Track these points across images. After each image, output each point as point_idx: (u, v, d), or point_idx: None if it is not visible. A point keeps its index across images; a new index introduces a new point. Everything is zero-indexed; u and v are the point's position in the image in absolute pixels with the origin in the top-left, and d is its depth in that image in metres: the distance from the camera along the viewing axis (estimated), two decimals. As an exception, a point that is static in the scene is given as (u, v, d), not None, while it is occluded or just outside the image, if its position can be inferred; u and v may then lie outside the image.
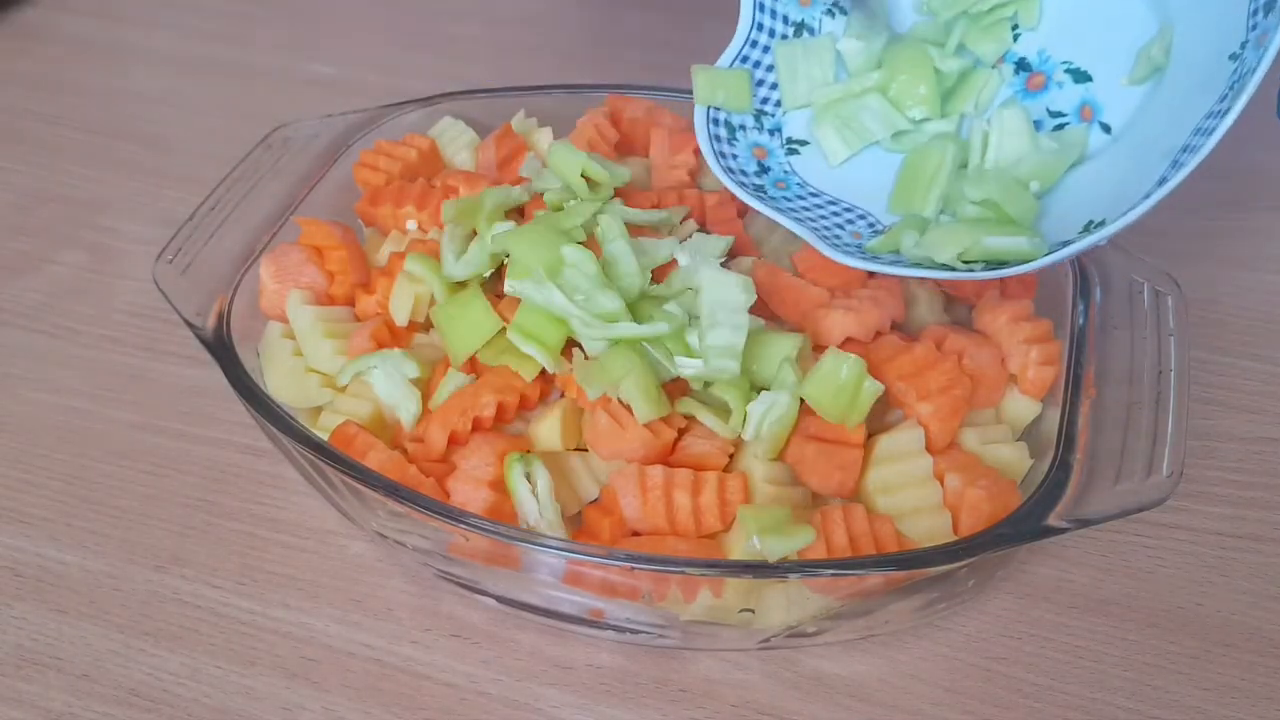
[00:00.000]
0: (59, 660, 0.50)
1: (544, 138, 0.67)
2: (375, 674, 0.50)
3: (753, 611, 0.46)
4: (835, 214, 0.55)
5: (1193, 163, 0.44)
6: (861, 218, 0.55)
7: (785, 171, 0.57)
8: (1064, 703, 0.49)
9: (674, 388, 0.50)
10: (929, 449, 0.49)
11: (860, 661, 0.50)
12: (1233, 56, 0.46)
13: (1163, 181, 0.45)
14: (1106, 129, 0.53)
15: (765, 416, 0.48)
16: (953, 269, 0.49)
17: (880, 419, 0.50)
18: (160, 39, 0.98)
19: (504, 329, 0.52)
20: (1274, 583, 0.53)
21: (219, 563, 0.55)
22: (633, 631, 0.49)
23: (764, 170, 0.56)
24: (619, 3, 1.01)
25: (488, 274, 0.55)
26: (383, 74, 0.92)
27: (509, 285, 0.51)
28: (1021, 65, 0.56)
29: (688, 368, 0.49)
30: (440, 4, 1.02)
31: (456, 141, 0.67)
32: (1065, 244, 0.47)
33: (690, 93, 0.58)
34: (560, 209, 0.56)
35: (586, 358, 0.50)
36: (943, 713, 0.49)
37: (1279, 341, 0.66)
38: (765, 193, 0.55)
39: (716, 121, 0.57)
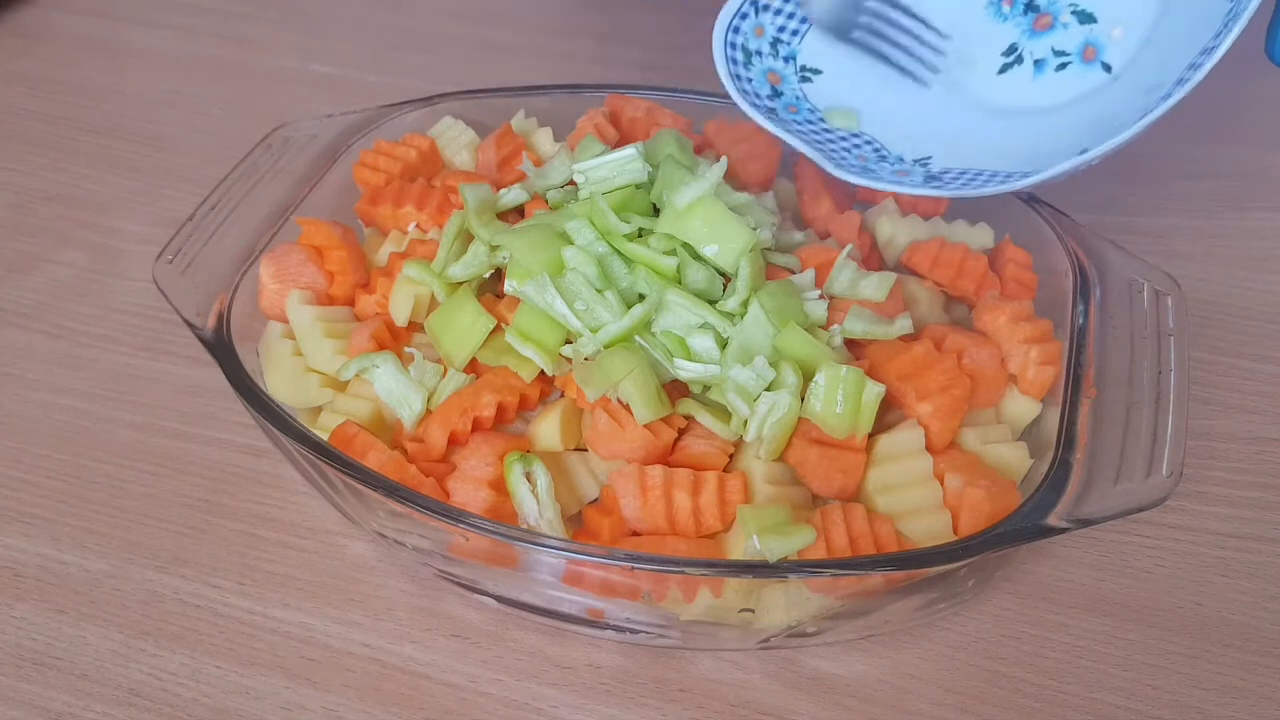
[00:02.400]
0: (59, 660, 0.50)
1: (544, 138, 0.67)
2: (375, 674, 0.50)
3: (753, 611, 0.46)
4: (843, 139, 0.58)
5: (1179, 94, 0.47)
6: (869, 143, 0.59)
7: (797, 97, 0.60)
8: (1064, 703, 0.49)
9: (674, 388, 0.50)
10: (929, 449, 0.49)
11: (860, 661, 0.50)
12: None
13: (1146, 113, 0.48)
14: (1107, 68, 0.56)
15: (766, 418, 0.48)
16: (942, 185, 0.53)
17: (880, 419, 0.50)
18: (160, 39, 0.98)
19: (501, 328, 0.52)
20: (1274, 583, 0.53)
21: (219, 563, 0.55)
22: (633, 631, 0.49)
23: (777, 95, 0.60)
24: (618, 3, 1.01)
25: (487, 274, 0.55)
26: (383, 74, 0.92)
27: (509, 286, 0.51)
28: (1030, 7, 0.59)
29: (686, 370, 0.49)
30: (440, 4, 1.02)
31: (456, 141, 0.67)
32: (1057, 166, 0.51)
33: (690, 93, 0.60)
34: (561, 208, 0.56)
35: (585, 359, 0.50)
36: (943, 713, 0.49)
37: (1279, 342, 0.66)
38: (776, 114, 0.58)
39: (734, 45, 0.60)
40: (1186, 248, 0.73)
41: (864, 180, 0.55)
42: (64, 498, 0.58)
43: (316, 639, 0.51)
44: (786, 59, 0.61)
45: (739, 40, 0.60)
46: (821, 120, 0.60)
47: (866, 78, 0.62)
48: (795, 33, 0.62)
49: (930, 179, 0.56)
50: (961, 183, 0.54)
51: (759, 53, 0.60)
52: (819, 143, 0.58)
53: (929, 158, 0.59)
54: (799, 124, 0.59)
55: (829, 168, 0.56)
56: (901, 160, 0.59)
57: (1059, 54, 0.58)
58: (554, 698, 0.49)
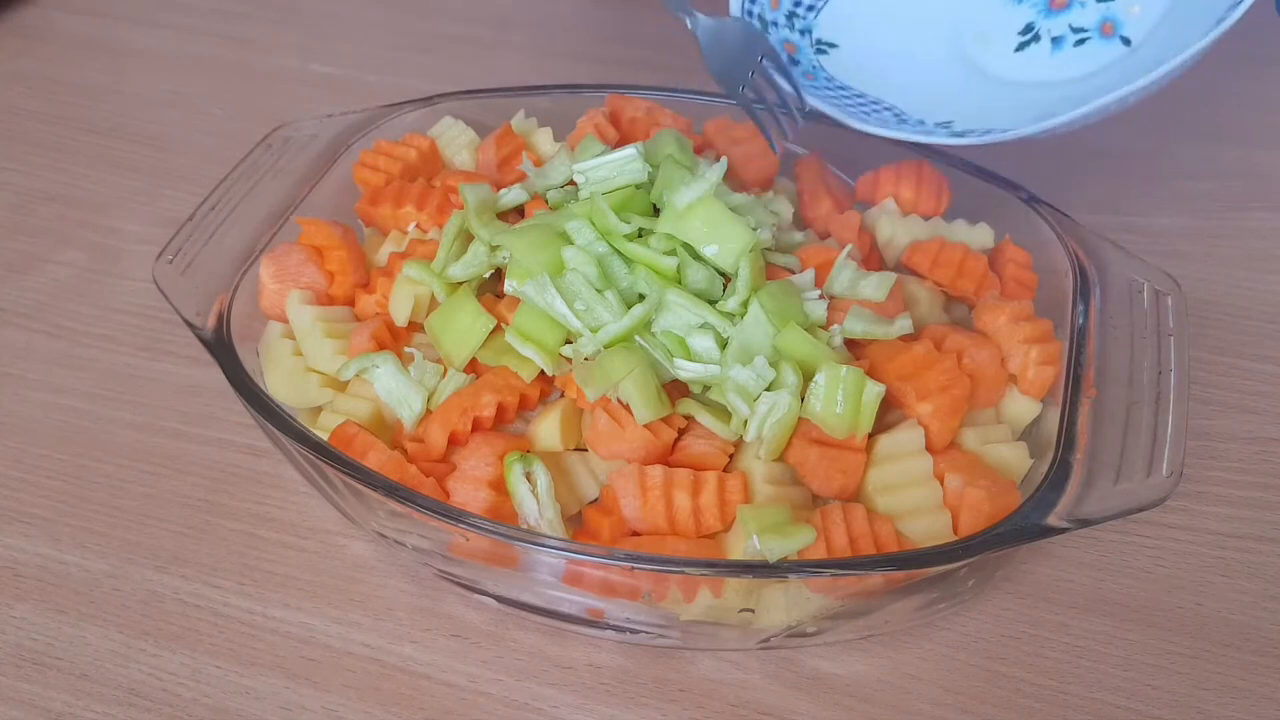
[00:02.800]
0: (59, 660, 0.50)
1: (544, 138, 0.67)
2: (375, 674, 0.50)
3: (753, 611, 0.46)
4: (861, 104, 0.60)
5: (1184, 55, 0.48)
6: (888, 109, 0.60)
7: (814, 66, 0.62)
8: (1064, 703, 0.49)
9: (674, 388, 0.50)
10: (929, 449, 0.49)
11: (860, 661, 0.50)
12: None
13: (1157, 67, 0.50)
14: (1126, 42, 0.58)
15: (766, 418, 0.48)
16: (965, 137, 0.55)
17: (880, 419, 0.50)
18: (160, 39, 0.98)
19: (501, 328, 0.52)
20: (1274, 583, 0.53)
21: (219, 563, 0.55)
22: (633, 631, 0.49)
23: (793, 63, 0.62)
24: (619, 2, 1.01)
25: (487, 274, 0.55)
26: (383, 74, 0.92)
27: (509, 286, 0.51)
28: None
29: (686, 370, 0.49)
30: (440, 4, 1.03)
31: (456, 141, 0.67)
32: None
33: (690, 93, 0.61)
34: (561, 208, 0.56)
35: (585, 359, 0.50)
36: (943, 713, 0.49)
37: (1279, 342, 0.66)
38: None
39: (750, 15, 0.63)
40: (1186, 248, 0.73)
41: (886, 131, 0.57)
42: (64, 498, 0.58)
43: (316, 639, 0.51)
44: (803, 32, 0.63)
45: (755, 10, 0.62)
46: (841, 89, 0.61)
47: (885, 53, 0.63)
48: (811, 8, 0.63)
49: (954, 135, 0.58)
50: (988, 139, 0.55)
51: (774, 23, 0.62)
52: (837, 106, 0.60)
53: (950, 121, 0.60)
54: (816, 88, 0.61)
55: (852, 123, 0.57)
56: (922, 123, 0.60)
57: (1077, 30, 0.59)
58: (554, 698, 0.49)
